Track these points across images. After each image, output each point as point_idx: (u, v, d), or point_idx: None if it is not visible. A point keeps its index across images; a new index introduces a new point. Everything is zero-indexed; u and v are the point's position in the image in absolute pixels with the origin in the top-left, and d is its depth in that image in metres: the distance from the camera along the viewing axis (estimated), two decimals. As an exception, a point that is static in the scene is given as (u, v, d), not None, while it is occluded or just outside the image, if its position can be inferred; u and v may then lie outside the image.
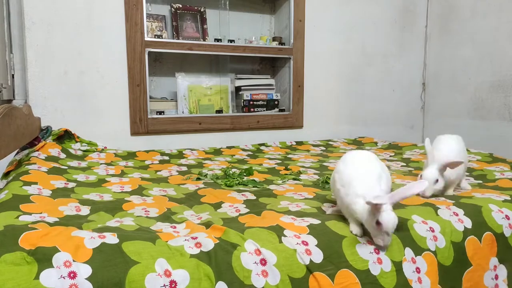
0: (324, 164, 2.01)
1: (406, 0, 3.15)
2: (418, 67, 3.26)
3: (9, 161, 1.86)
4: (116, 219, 1.13)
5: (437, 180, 1.27)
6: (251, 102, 2.68)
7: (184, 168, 1.89)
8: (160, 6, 2.54)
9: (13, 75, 2.16)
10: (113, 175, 1.68)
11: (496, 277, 1.14)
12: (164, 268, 0.83)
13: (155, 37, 2.40)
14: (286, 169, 1.89)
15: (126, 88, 2.32)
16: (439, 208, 1.18)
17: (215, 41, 2.55)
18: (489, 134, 2.80)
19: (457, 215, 1.16)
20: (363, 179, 1.03)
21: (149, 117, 2.37)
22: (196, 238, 0.93)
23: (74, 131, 2.15)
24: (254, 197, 1.37)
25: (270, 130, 2.69)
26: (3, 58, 2.08)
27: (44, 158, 1.74)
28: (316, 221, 1.05)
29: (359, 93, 3.04)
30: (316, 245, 0.96)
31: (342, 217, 1.09)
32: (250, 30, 2.78)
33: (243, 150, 2.38)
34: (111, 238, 0.88)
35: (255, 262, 0.89)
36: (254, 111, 2.68)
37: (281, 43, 2.75)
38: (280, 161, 2.09)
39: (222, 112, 2.62)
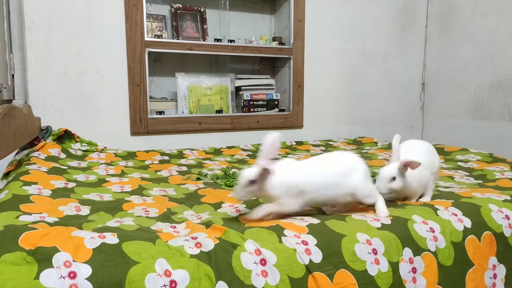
0: (324, 164, 2.01)
1: (406, 0, 3.15)
2: (418, 67, 3.26)
3: (9, 161, 1.86)
4: (116, 219, 1.13)
5: (394, 178, 1.19)
6: (251, 102, 2.68)
7: (184, 168, 1.89)
8: (160, 6, 2.54)
9: (13, 75, 2.16)
10: (113, 175, 1.68)
11: (495, 276, 1.14)
12: (164, 268, 0.83)
13: (155, 37, 2.40)
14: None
15: (126, 88, 2.32)
16: (438, 209, 1.18)
17: (215, 41, 2.55)
18: (489, 134, 2.80)
19: (456, 215, 1.16)
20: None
21: (149, 117, 2.37)
22: (196, 238, 0.93)
23: (74, 131, 2.15)
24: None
25: (270, 130, 2.68)
26: (3, 58, 2.08)
27: (44, 158, 1.74)
28: (315, 221, 1.05)
29: (359, 93, 3.04)
30: (315, 245, 0.96)
31: (342, 217, 1.09)
32: (250, 30, 2.78)
33: (243, 150, 2.38)
34: (111, 238, 0.88)
35: (255, 262, 0.89)
36: (254, 111, 2.68)
37: (281, 43, 2.75)
38: (280, 161, 2.08)
39: (222, 112, 2.62)
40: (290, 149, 2.46)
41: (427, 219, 1.12)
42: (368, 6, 3.00)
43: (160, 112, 2.45)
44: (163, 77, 2.59)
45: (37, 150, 1.81)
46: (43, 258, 0.79)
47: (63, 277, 0.77)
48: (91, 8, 2.21)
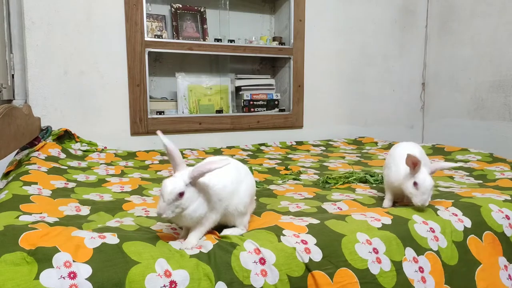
0: (324, 164, 2.01)
1: (406, 0, 3.15)
2: (418, 67, 3.26)
3: (9, 161, 1.86)
4: (116, 219, 1.13)
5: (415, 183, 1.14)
6: (251, 102, 2.68)
7: (184, 168, 1.88)
8: (160, 6, 2.54)
9: (13, 75, 2.16)
10: (113, 175, 1.68)
11: (510, 277, 1.14)
12: (164, 268, 0.83)
13: (155, 37, 2.40)
14: (286, 169, 1.89)
15: (126, 88, 2.32)
16: (439, 209, 1.18)
17: (215, 41, 2.55)
18: (489, 134, 2.80)
19: (456, 215, 1.16)
20: None
21: (149, 117, 2.37)
22: (196, 238, 0.93)
23: (74, 131, 2.15)
24: (255, 197, 1.37)
25: (270, 130, 2.69)
26: (3, 58, 2.08)
27: (44, 158, 1.74)
28: (315, 221, 1.05)
29: (359, 93, 3.04)
30: (315, 244, 0.96)
31: (342, 217, 1.09)
32: (250, 30, 2.78)
33: (243, 150, 2.38)
34: (111, 238, 0.88)
35: (255, 261, 0.89)
36: (254, 111, 2.68)
37: (281, 43, 2.75)
38: (280, 161, 2.09)
39: (222, 112, 2.62)
40: (290, 149, 2.46)
41: (427, 219, 1.12)
42: (368, 6, 3.00)
43: (160, 112, 2.45)
44: (163, 77, 2.59)
45: (37, 150, 1.81)
46: (43, 258, 0.79)
47: (63, 277, 0.77)
48: (91, 8, 2.21)
